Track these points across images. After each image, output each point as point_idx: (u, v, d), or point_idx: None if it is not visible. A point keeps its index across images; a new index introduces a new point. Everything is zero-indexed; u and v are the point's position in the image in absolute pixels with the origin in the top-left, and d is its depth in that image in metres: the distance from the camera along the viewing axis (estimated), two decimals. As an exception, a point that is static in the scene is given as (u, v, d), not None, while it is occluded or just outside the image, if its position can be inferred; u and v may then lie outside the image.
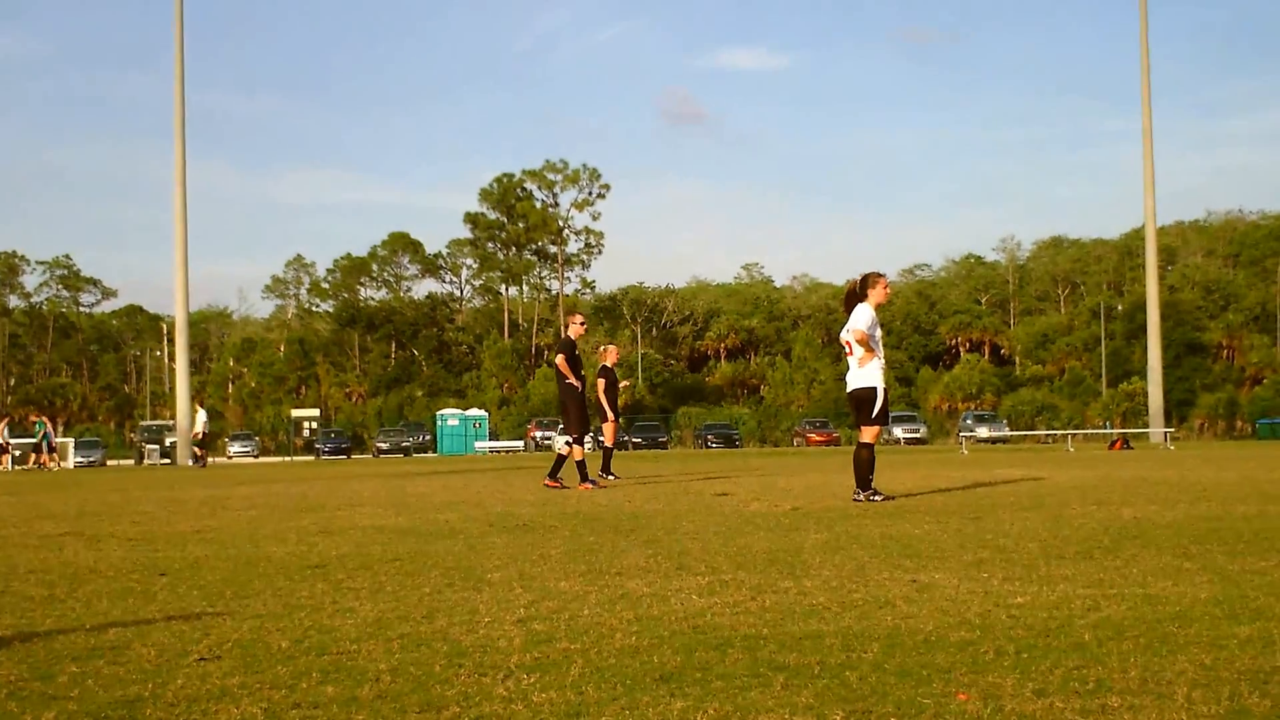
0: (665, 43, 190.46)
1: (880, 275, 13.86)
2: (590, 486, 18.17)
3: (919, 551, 8.28)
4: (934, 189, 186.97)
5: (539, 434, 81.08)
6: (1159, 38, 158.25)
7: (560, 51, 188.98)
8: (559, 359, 18.83)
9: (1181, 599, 5.99)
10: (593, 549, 9.02)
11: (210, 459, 58.52)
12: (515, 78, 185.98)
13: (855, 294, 13.76)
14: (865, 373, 13.57)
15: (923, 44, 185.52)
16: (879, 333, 13.69)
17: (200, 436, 51.70)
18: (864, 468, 13.61)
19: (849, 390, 13.81)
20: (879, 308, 13.78)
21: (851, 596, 6.30)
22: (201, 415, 52.26)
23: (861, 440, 13.70)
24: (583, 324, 19.43)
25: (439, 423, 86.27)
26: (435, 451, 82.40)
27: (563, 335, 19.45)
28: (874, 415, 13.56)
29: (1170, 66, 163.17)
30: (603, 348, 22.73)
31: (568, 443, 19.01)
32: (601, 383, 21.39)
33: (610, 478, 21.05)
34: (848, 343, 13.67)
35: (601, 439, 22.46)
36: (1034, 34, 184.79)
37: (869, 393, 13.55)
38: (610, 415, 21.36)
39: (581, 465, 18.72)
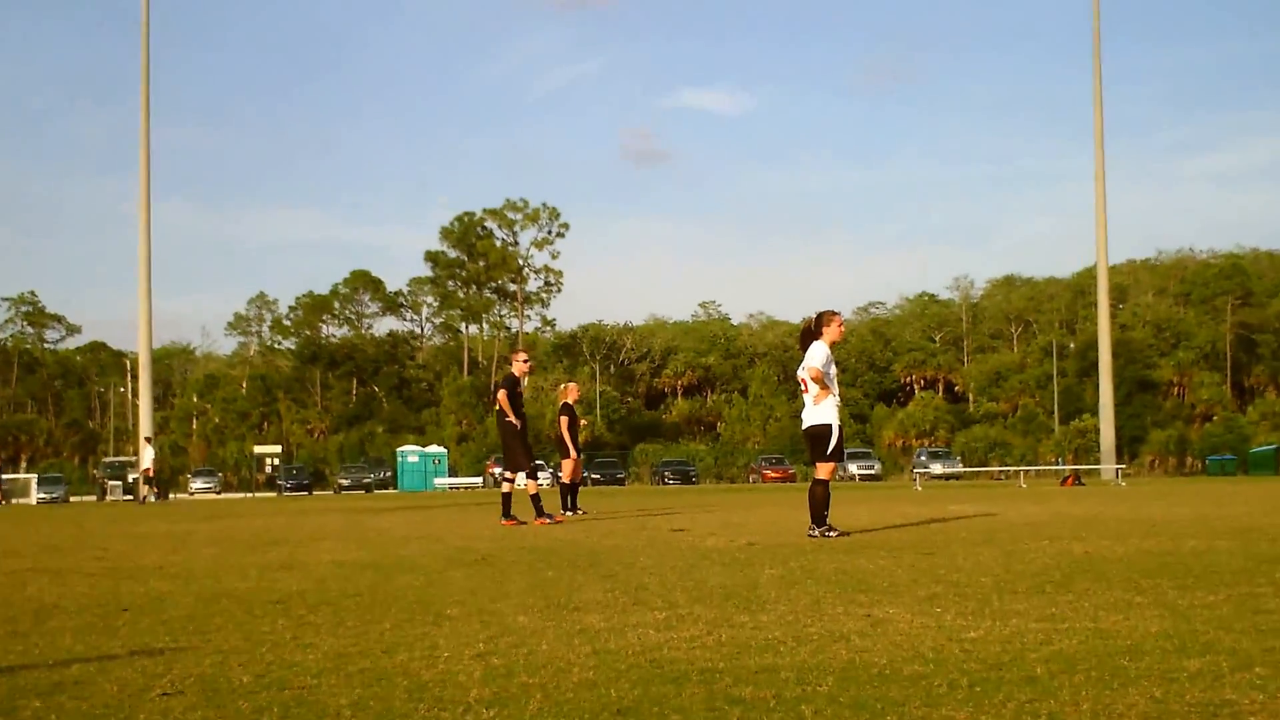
0: (627, 83, 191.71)
1: (835, 313, 13.98)
2: (547, 521, 18.17)
3: (873, 586, 8.33)
4: (889, 228, 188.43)
5: (498, 470, 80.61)
6: (1111, 78, 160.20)
7: (523, 91, 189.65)
8: (500, 395, 18.81)
9: (1132, 633, 6.06)
10: (551, 584, 9.06)
11: (173, 495, 58.32)
12: (478, 117, 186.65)
13: (810, 332, 13.87)
14: (820, 410, 13.68)
15: (879, 85, 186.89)
16: (834, 370, 13.79)
17: (150, 473, 51.60)
18: (819, 504, 13.70)
19: (804, 427, 13.90)
20: (834, 345, 13.90)
21: (806, 631, 6.35)
22: (149, 452, 52.17)
23: (817, 477, 13.79)
24: (526, 361, 19.29)
25: (399, 459, 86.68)
26: (396, 488, 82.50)
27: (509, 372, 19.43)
28: (829, 452, 13.66)
29: (1122, 107, 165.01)
30: (563, 385, 22.75)
31: (507, 479, 19.04)
32: (564, 419, 21.43)
33: (568, 514, 21.07)
34: (803, 380, 13.77)
35: (559, 475, 22.50)
36: (989, 75, 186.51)
37: (824, 430, 13.66)
38: (572, 452, 21.40)
39: (536, 499, 18.73)
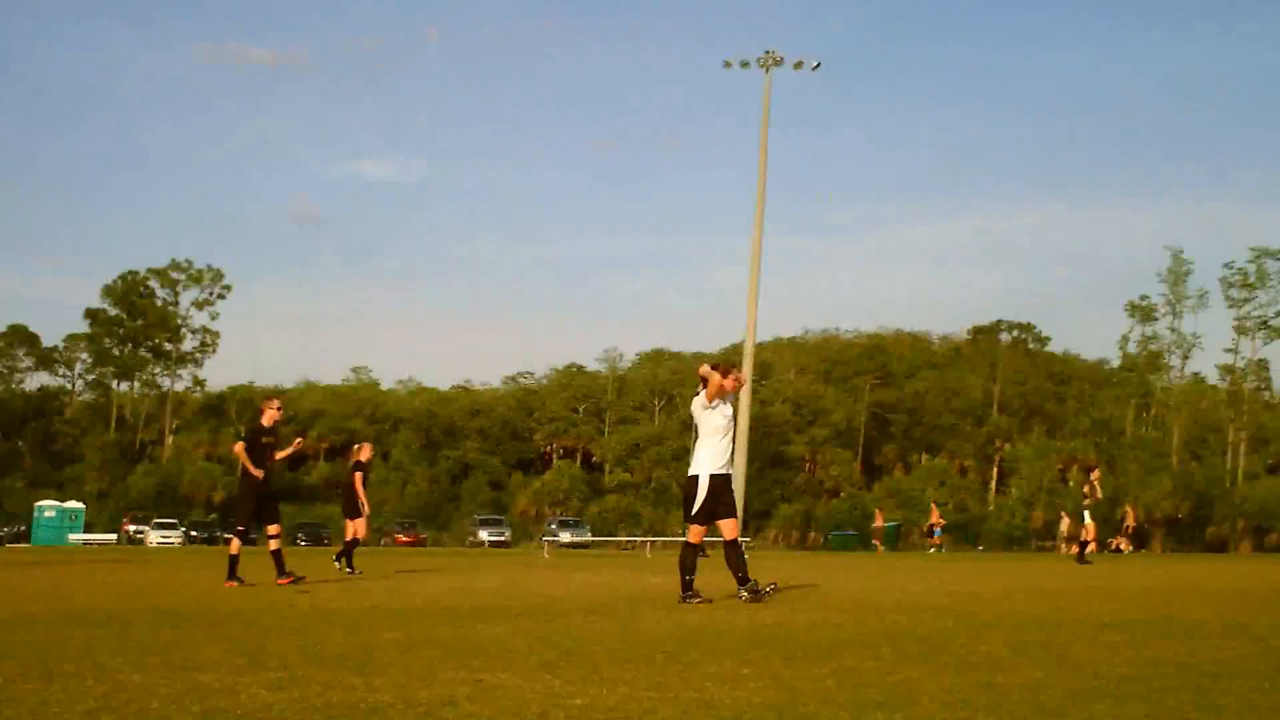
0: (301, 148, 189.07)
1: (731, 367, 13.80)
2: (235, 585, 17.30)
3: (489, 652, 8.39)
4: (544, 299, 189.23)
5: (133, 528, 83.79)
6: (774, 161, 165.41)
7: (199, 152, 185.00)
8: (236, 446, 18.11)
9: (735, 704, 6.18)
10: (170, 643, 8.88)
11: None
12: (152, 176, 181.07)
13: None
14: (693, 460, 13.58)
15: (545, 157, 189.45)
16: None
17: None
18: (722, 563, 13.79)
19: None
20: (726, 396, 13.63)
21: (417, 695, 6.37)
22: None
23: (726, 537, 13.86)
24: (279, 409, 18.05)
25: (36, 513, 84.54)
26: (30, 542, 79.93)
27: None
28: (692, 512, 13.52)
29: (779, 190, 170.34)
30: (357, 445, 23.22)
31: (226, 538, 18.55)
32: (359, 476, 21.94)
33: (350, 571, 21.41)
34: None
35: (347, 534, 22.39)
36: (649, 150, 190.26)
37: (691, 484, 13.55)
38: (365, 509, 21.92)
39: (233, 560, 17.84)
